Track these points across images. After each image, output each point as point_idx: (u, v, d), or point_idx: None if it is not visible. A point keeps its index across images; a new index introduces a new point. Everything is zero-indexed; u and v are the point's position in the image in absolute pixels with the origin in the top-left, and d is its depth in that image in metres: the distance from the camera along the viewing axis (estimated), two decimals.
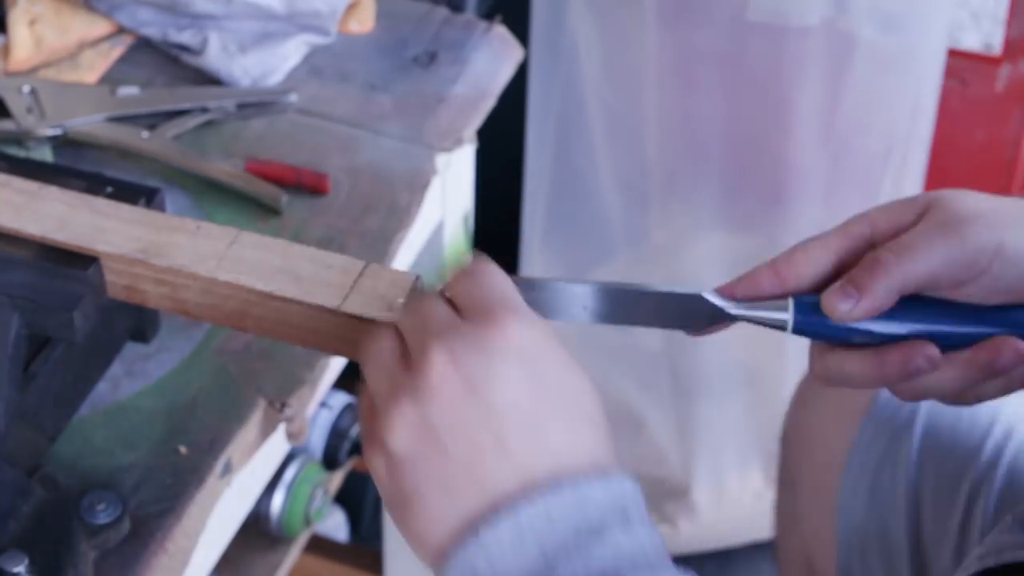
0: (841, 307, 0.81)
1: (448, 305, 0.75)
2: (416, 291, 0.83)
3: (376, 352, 0.75)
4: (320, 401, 1.39)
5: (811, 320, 0.83)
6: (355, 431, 1.53)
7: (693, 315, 0.84)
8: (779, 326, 0.84)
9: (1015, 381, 0.83)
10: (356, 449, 1.54)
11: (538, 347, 0.72)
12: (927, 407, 1.17)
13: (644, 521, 0.71)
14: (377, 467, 0.73)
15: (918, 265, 0.80)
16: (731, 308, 0.84)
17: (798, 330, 0.84)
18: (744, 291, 0.85)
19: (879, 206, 0.86)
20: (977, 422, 1.14)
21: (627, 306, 0.83)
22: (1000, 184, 1.91)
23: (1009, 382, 0.83)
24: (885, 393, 1.18)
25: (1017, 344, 0.81)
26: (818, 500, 1.22)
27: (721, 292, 0.85)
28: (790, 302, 0.84)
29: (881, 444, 1.17)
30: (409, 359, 0.73)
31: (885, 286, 0.80)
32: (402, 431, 0.72)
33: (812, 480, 1.24)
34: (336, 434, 1.51)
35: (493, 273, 0.76)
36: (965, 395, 0.84)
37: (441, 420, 0.71)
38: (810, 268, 0.84)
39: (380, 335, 0.76)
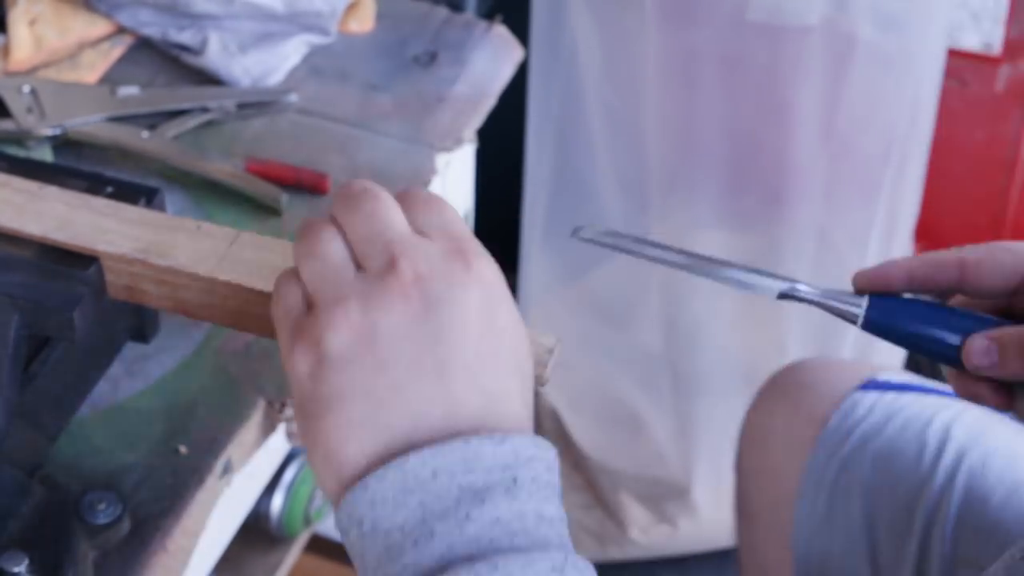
0: (977, 361, 0.83)
1: (403, 221, 0.75)
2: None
3: (323, 250, 0.73)
4: None
5: (883, 322, 0.85)
6: None
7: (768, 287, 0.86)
8: (850, 319, 0.85)
9: None
10: None
11: (498, 291, 0.72)
12: (876, 431, 1.16)
13: (538, 490, 0.69)
14: (300, 366, 0.71)
15: None
16: (805, 292, 0.86)
17: (867, 326, 0.85)
18: (871, 282, 0.86)
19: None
20: (927, 446, 1.14)
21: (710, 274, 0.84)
22: (1000, 184, 1.91)
23: None
24: (834, 422, 1.18)
25: None
26: (774, 531, 1.22)
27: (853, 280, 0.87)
28: (866, 298, 0.85)
29: (832, 473, 1.16)
30: (364, 263, 0.72)
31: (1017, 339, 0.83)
32: (343, 332, 0.70)
33: (767, 512, 1.24)
34: None
35: (454, 209, 0.77)
36: None
37: (389, 331, 0.70)
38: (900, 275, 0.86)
39: (323, 238, 0.74)
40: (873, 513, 1.14)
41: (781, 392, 1.26)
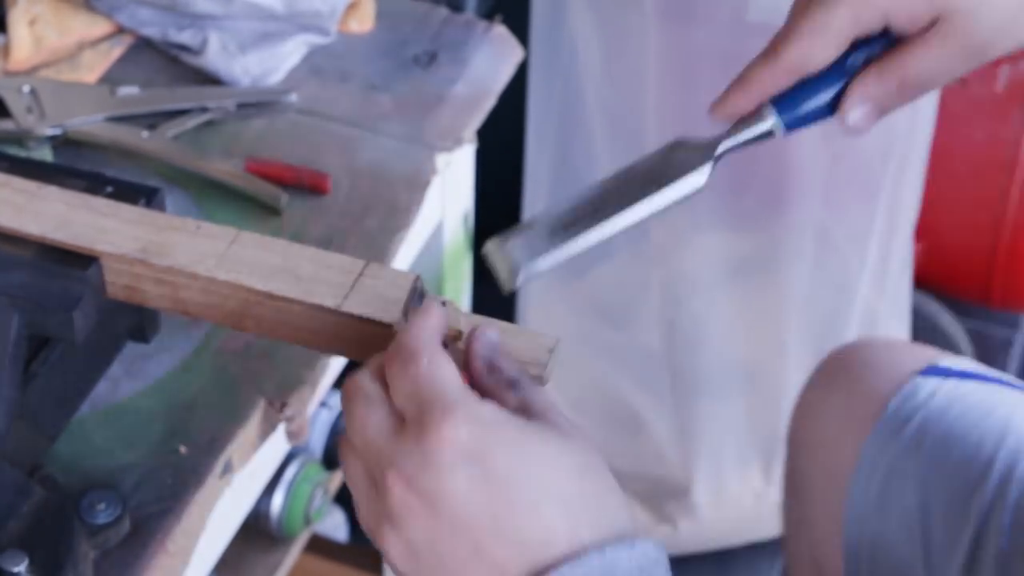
0: (863, 125, 0.88)
1: (389, 412, 0.73)
2: (416, 291, 0.83)
3: (350, 477, 0.75)
4: (320, 401, 1.39)
5: (798, 118, 0.89)
6: None
7: (682, 167, 0.87)
8: (767, 135, 0.88)
9: None
10: None
11: (481, 442, 0.70)
12: (936, 418, 1.16)
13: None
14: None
15: (932, 85, 0.88)
16: (723, 150, 0.87)
17: (790, 128, 0.88)
18: (728, 108, 0.91)
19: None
20: (987, 436, 1.13)
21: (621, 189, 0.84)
22: (1000, 184, 1.91)
23: None
24: (894, 404, 1.18)
25: None
26: (826, 508, 1.22)
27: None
28: (770, 107, 0.88)
29: (889, 456, 1.17)
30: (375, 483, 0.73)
31: (899, 103, 0.88)
32: (393, 553, 0.72)
33: (820, 488, 1.24)
34: (336, 433, 1.50)
35: (420, 357, 0.73)
36: None
37: (419, 541, 0.71)
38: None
39: (347, 460, 0.75)
40: (928, 500, 1.14)
41: (843, 369, 1.27)
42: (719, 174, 1.71)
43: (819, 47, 0.89)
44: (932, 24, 0.88)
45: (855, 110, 0.88)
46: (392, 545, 0.72)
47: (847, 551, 1.18)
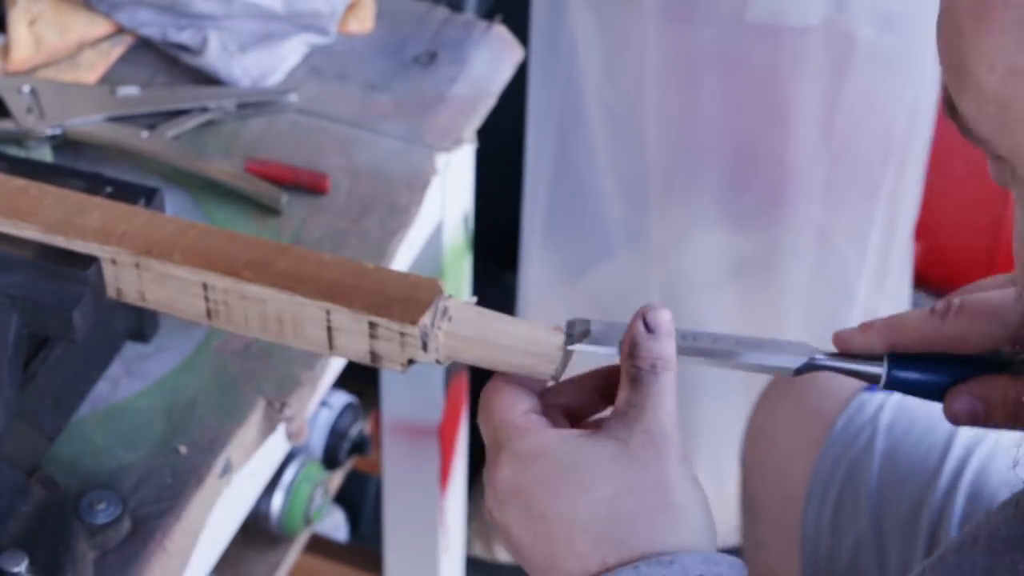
0: (965, 421, 0.84)
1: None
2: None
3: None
4: (320, 401, 1.39)
5: (904, 380, 0.85)
6: (355, 430, 1.53)
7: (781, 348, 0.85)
8: (869, 377, 0.86)
9: None
10: (356, 448, 1.54)
11: (522, 479, 0.76)
12: (884, 433, 1.16)
13: None
14: None
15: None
16: (821, 360, 0.86)
17: (889, 386, 0.86)
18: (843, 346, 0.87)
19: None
20: (934, 445, 1.13)
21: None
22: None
23: None
24: (842, 421, 1.18)
25: None
26: (781, 529, 1.21)
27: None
28: (885, 359, 0.85)
29: (840, 473, 1.16)
30: None
31: (1010, 423, 0.83)
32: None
33: (774, 509, 1.24)
34: (336, 433, 1.51)
35: (488, 404, 0.80)
36: None
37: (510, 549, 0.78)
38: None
39: None
40: (881, 515, 1.14)
41: (787, 389, 1.26)
42: (719, 174, 1.71)
43: (982, 331, 0.86)
44: None
45: (960, 404, 0.85)
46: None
47: (805, 572, 1.18)
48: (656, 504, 0.75)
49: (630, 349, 0.78)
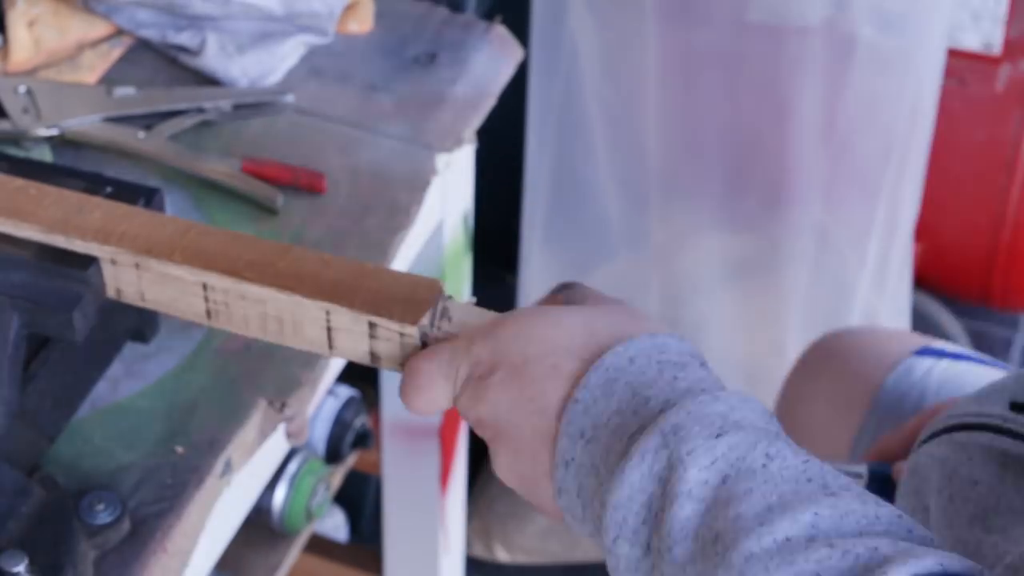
0: None
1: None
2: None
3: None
4: (323, 396, 1.39)
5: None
6: (359, 423, 1.53)
7: None
8: (854, 475, 0.93)
9: None
10: (359, 441, 1.54)
11: (501, 346, 0.77)
12: (932, 396, 1.17)
13: (713, 371, 0.76)
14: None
15: None
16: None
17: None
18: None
19: None
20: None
21: None
22: (1000, 184, 1.91)
23: None
24: (888, 384, 1.19)
25: None
26: None
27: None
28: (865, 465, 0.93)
29: (889, 428, 1.17)
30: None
31: None
32: (482, 368, 0.77)
33: None
34: (341, 423, 1.51)
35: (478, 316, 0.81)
36: None
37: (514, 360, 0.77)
38: None
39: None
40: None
41: (827, 356, 1.27)
42: (719, 175, 1.71)
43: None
44: None
45: None
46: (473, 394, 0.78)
47: None
48: (628, 316, 0.77)
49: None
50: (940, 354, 1.20)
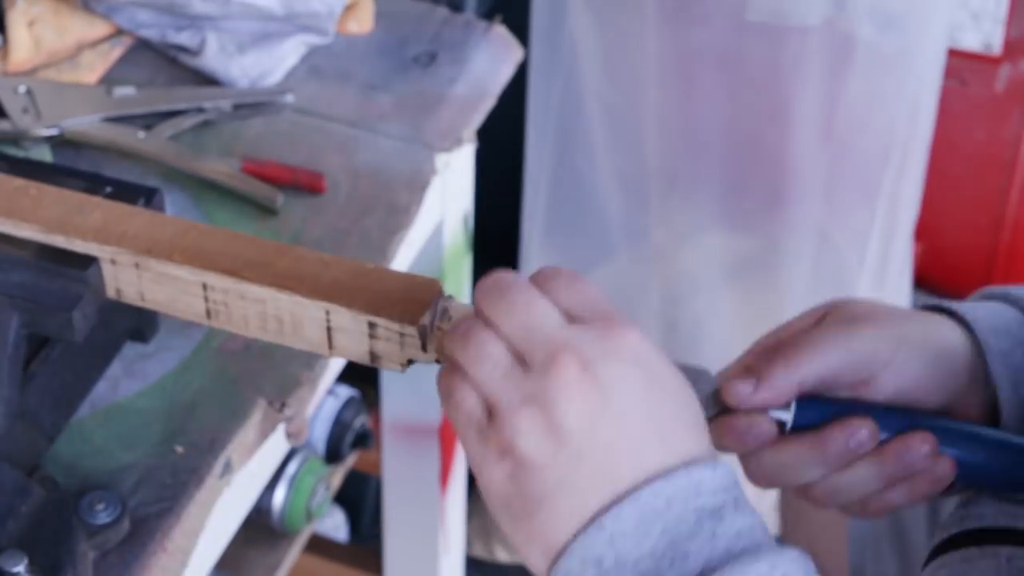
0: (741, 390, 0.84)
1: (554, 307, 0.75)
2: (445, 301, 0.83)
3: (488, 353, 0.74)
4: (322, 397, 1.39)
5: (806, 425, 0.86)
6: (359, 423, 1.53)
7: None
8: (779, 423, 0.86)
9: (918, 490, 0.85)
10: (359, 441, 1.54)
11: (653, 353, 0.74)
12: None
13: (747, 503, 0.74)
14: (496, 474, 0.73)
15: (815, 359, 0.84)
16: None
17: (797, 426, 0.86)
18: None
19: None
20: None
21: None
22: (1000, 184, 1.91)
23: (913, 490, 0.85)
24: None
25: (928, 437, 0.84)
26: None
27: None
28: (793, 404, 0.86)
29: None
30: (527, 364, 0.73)
31: (783, 375, 0.84)
32: (533, 436, 0.72)
33: None
34: (340, 423, 1.51)
35: (591, 283, 0.78)
36: (871, 504, 0.87)
37: (576, 424, 0.72)
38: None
39: (485, 339, 0.74)
40: None
41: None
42: (719, 174, 1.71)
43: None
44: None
45: (740, 385, 0.86)
46: (533, 424, 0.72)
47: (852, 540, 1.18)
48: (674, 408, 0.75)
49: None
50: None
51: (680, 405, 0.74)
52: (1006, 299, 0.88)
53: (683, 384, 0.75)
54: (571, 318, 0.75)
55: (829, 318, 0.87)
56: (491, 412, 0.73)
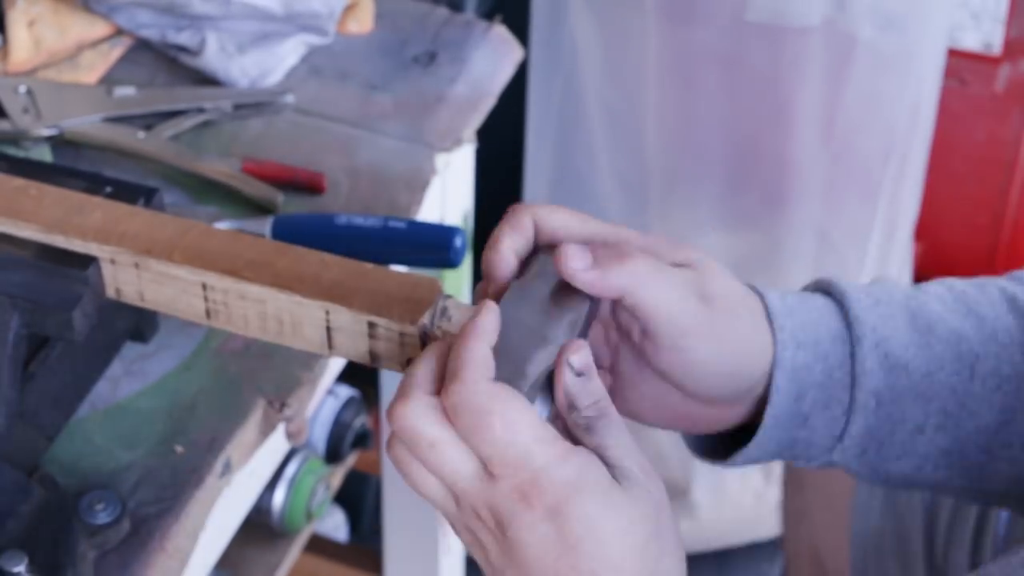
0: (572, 264, 0.79)
1: (469, 455, 0.74)
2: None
3: (428, 488, 0.76)
4: (322, 397, 1.39)
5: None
6: (359, 423, 1.53)
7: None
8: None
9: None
10: (359, 441, 1.54)
11: (563, 505, 0.73)
12: None
13: None
14: (475, 548, 0.77)
15: (640, 284, 0.79)
16: None
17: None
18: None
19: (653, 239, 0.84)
20: None
21: None
22: (1000, 184, 1.91)
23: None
24: None
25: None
26: (828, 499, 1.21)
27: None
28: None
29: None
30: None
31: (615, 276, 0.79)
32: (484, 552, 0.76)
33: (821, 479, 1.23)
34: (340, 423, 1.51)
35: (492, 417, 0.73)
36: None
37: (495, 564, 0.75)
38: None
39: (427, 469, 0.75)
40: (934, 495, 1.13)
41: None
42: (719, 175, 1.71)
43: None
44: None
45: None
46: (475, 546, 0.76)
47: (854, 542, 1.18)
48: (671, 547, 0.75)
49: (570, 402, 0.76)
50: None
51: (599, 554, 0.73)
52: (831, 293, 0.86)
53: (612, 527, 0.73)
54: (488, 467, 0.74)
55: (688, 270, 0.82)
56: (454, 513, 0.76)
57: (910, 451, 0.85)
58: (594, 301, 0.81)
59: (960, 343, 0.85)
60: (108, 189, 0.95)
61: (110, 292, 0.89)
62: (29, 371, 0.91)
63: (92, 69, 1.23)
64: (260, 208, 1.13)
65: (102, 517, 0.91)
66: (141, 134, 1.16)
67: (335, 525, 1.79)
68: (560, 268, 0.79)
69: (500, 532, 0.74)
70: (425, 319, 0.81)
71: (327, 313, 0.83)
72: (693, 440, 0.90)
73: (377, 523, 1.62)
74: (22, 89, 1.17)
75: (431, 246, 1.07)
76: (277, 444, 1.04)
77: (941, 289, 0.87)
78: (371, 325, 0.82)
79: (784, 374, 0.83)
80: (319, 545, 1.70)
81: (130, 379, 1.02)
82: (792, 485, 1.30)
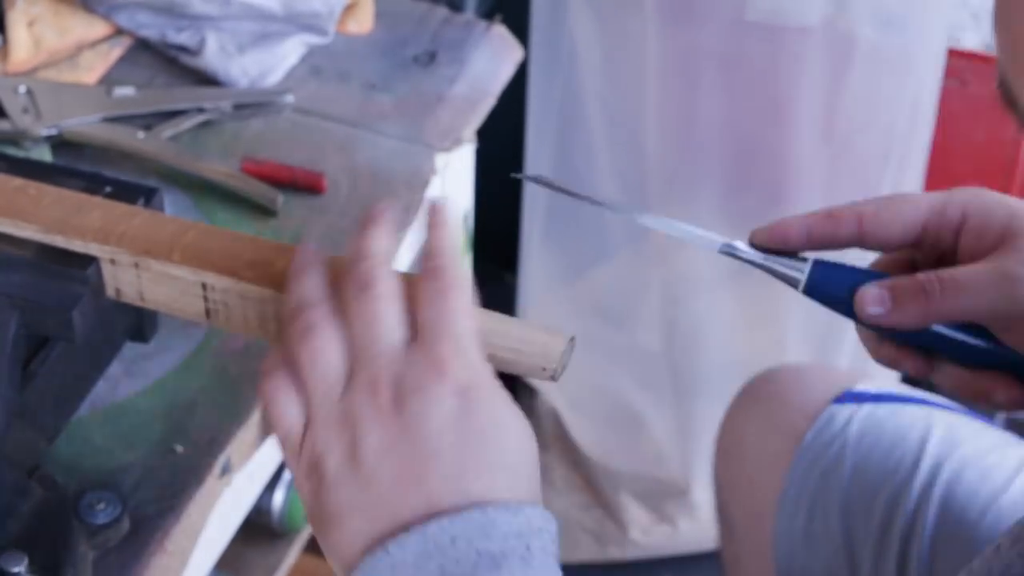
0: (870, 310, 0.83)
1: (401, 311, 0.76)
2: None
3: (324, 364, 0.76)
4: None
5: (823, 286, 0.85)
6: None
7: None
8: (792, 283, 0.85)
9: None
10: None
11: (477, 392, 0.74)
12: (853, 445, 1.15)
13: (546, 559, 0.73)
14: (305, 488, 0.76)
15: (961, 305, 0.82)
16: (749, 255, 0.85)
17: (808, 291, 0.85)
18: (769, 239, 0.87)
19: (973, 202, 0.87)
20: (903, 460, 1.12)
21: None
22: (1000, 184, 1.91)
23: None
24: (811, 434, 1.16)
25: (1012, 384, 0.83)
26: (755, 544, 1.21)
27: (750, 238, 0.87)
28: (809, 263, 0.84)
29: (811, 486, 1.15)
30: (353, 371, 0.75)
31: (922, 311, 0.82)
32: (334, 455, 0.75)
33: (747, 524, 1.23)
34: None
35: (464, 297, 0.78)
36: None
37: (371, 450, 0.74)
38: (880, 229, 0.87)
39: (327, 341, 0.76)
40: (852, 529, 1.13)
41: (754, 402, 1.25)
42: (719, 174, 1.71)
43: (889, 229, 0.87)
44: (994, 248, 0.84)
45: (868, 290, 0.85)
46: (340, 442, 0.74)
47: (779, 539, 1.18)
48: (533, 456, 0.76)
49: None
50: (861, 398, 1.17)
51: (498, 447, 0.74)
52: None
53: (514, 427, 0.75)
54: (417, 334, 0.76)
55: (1001, 256, 0.83)
56: (307, 422, 0.76)
57: None
58: None
59: None
60: (108, 189, 0.95)
61: (110, 292, 0.89)
62: (29, 371, 0.91)
63: (92, 69, 1.23)
64: (260, 208, 1.13)
65: (102, 517, 0.91)
66: (141, 134, 1.16)
67: None
68: (858, 313, 0.83)
69: (395, 410, 0.73)
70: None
71: None
72: None
73: None
74: (22, 89, 1.17)
75: None
76: (276, 445, 1.04)
77: None
78: None
79: None
80: (319, 545, 1.70)
81: (130, 379, 1.02)
82: (724, 530, 1.30)
